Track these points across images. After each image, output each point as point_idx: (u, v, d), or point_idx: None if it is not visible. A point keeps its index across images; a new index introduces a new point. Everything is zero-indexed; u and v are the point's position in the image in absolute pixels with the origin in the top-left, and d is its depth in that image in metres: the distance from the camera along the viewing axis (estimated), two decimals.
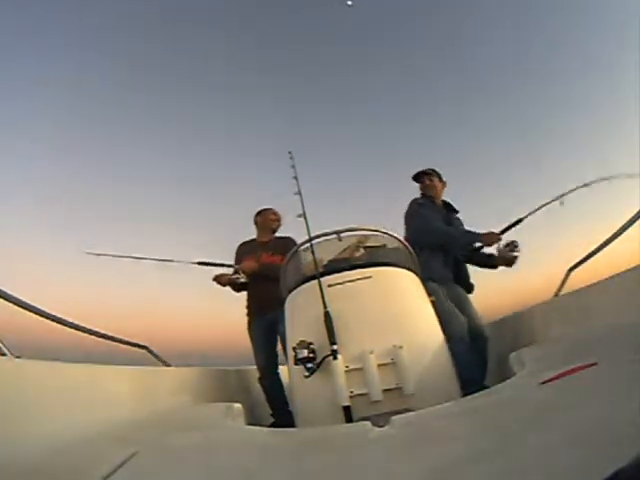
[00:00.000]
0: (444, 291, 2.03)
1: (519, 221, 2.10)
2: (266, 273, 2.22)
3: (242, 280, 2.19)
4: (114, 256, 2.25)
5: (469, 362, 1.84)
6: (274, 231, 2.54)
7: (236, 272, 2.22)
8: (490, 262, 2.23)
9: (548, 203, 2.10)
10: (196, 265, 2.29)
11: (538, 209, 2.10)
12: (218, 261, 2.33)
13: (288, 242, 2.40)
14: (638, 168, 1.76)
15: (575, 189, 2.09)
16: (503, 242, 2.03)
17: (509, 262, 2.12)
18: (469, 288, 2.24)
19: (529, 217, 2.11)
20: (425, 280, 1.87)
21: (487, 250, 2.16)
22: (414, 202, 2.28)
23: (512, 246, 2.03)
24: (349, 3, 6.49)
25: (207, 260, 2.31)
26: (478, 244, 2.16)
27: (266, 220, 2.53)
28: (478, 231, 2.10)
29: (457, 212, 2.37)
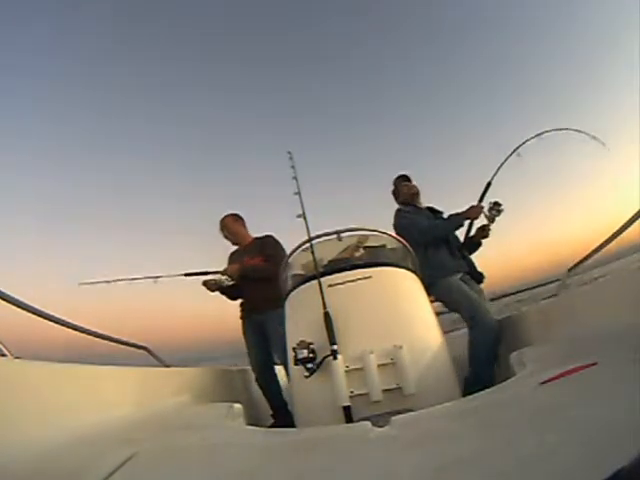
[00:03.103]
0: (465, 283, 2.03)
1: (489, 185, 2.16)
2: (249, 275, 2.25)
3: (227, 283, 2.22)
4: (108, 282, 2.33)
5: (487, 359, 1.83)
6: (240, 237, 2.50)
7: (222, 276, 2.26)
8: (474, 242, 2.28)
9: (507, 158, 2.17)
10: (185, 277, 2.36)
11: (500, 167, 2.18)
12: (205, 269, 2.37)
13: (266, 240, 2.43)
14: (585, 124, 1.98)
15: (530, 139, 2.17)
16: (486, 208, 2.08)
17: (485, 235, 2.22)
18: (480, 278, 2.22)
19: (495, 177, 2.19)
20: (443, 277, 1.86)
21: (477, 223, 2.20)
22: (400, 211, 2.29)
23: (497, 206, 2.08)
24: None
25: (195, 270, 2.37)
26: (469, 230, 2.22)
27: (226, 231, 2.50)
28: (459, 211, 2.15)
29: (442, 213, 2.37)
